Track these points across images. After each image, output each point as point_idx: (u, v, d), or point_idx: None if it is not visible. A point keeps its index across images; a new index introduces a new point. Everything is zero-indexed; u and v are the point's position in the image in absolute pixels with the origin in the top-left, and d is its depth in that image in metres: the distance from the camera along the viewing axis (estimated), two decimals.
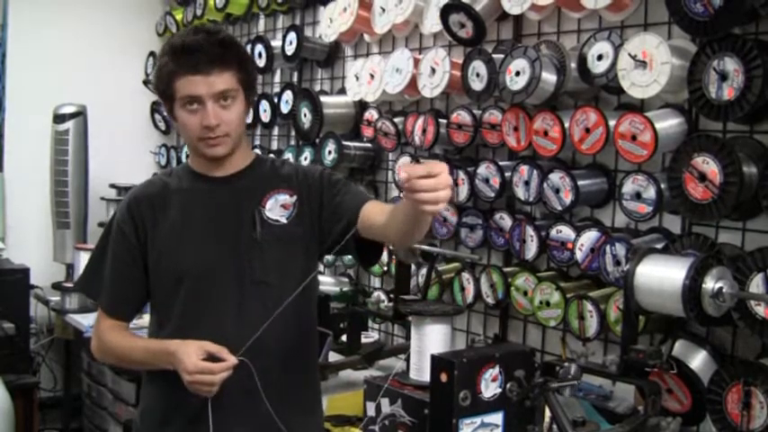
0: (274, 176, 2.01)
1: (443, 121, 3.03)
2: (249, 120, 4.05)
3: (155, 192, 2.00)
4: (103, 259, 2.01)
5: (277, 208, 1.96)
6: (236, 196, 1.96)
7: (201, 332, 1.87)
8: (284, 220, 1.95)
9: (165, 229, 1.95)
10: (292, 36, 3.80)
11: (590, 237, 2.51)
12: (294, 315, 1.92)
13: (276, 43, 3.91)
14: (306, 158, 3.71)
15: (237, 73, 1.88)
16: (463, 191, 2.90)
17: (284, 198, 1.97)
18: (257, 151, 2.49)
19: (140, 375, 2.10)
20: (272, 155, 4.04)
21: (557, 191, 2.56)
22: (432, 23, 3.08)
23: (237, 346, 1.85)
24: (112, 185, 4.74)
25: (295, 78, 4.05)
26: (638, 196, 2.34)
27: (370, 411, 2.35)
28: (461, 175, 2.90)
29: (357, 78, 3.44)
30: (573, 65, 2.55)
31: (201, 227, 1.94)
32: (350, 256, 3.49)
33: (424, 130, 3.03)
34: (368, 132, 3.47)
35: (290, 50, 3.80)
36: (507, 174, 2.75)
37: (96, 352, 2.06)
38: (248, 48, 4.03)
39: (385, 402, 2.30)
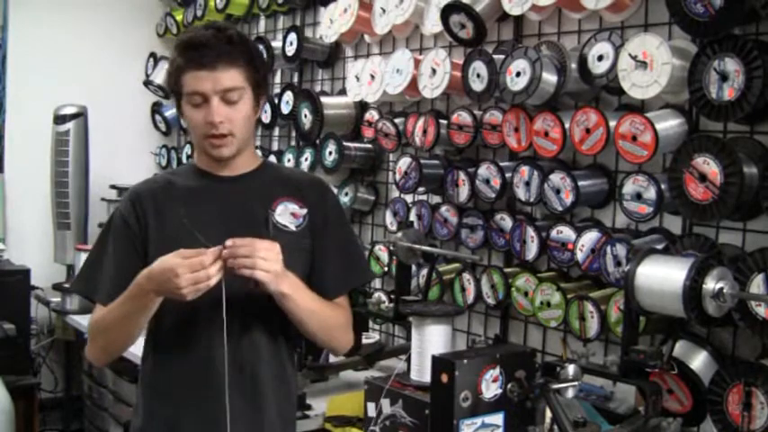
0: (284, 183, 2.01)
1: (444, 121, 3.03)
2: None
3: (158, 187, 1.98)
4: (102, 256, 1.96)
5: (287, 215, 1.96)
6: (245, 197, 1.95)
7: (206, 328, 1.86)
8: (293, 228, 1.94)
9: (172, 225, 1.91)
10: (293, 37, 3.80)
11: (590, 237, 2.51)
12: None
13: (276, 44, 3.91)
14: (306, 159, 3.71)
15: (245, 71, 1.86)
16: (464, 192, 2.90)
17: (294, 207, 1.97)
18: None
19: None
20: (272, 156, 4.05)
21: (557, 191, 2.56)
22: (432, 24, 3.08)
23: (234, 345, 1.86)
24: (113, 186, 4.74)
25: (295, 79, 4.05)
26: (638, 197, 2.34)
27: (371, 412, 2.35)
28: (462, 175, 2.90)
29: (357, 79, 3.44)
30: (573, 65, 2.55)
31: (210, 224, 1.89)
32: None
33: (424, 131, 3.03)
34: (368, 133, 3.47)
35: (290, 51, 3.80)
36: (508, 174, 2.75)
37: (88, 345, 1.97)
38: None
39: (386, 403, 2.30)
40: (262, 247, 1.75)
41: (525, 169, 2.67)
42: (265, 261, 1.75)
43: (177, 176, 2.01)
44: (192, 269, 1.70)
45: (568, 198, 2.53)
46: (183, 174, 2.02)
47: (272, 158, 4.02)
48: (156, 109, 5.15)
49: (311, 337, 1.97)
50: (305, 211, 1.97)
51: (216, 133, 1.86)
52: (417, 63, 3.07)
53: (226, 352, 1.83)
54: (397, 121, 3.25)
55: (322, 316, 1.93)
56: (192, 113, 1.87)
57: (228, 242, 1.73)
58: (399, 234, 2.85)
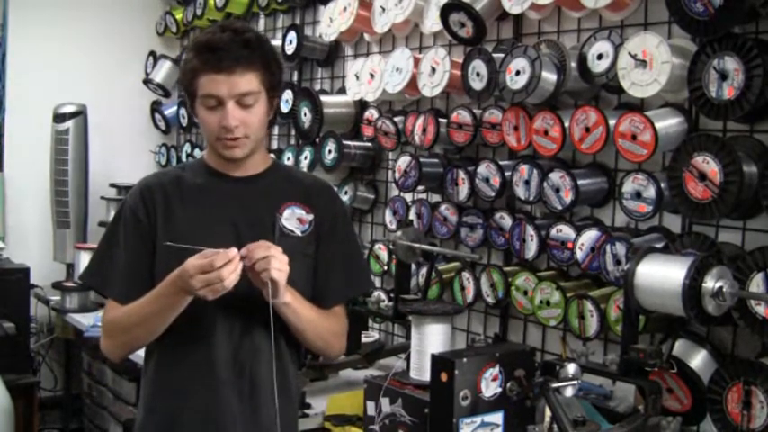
0: (293, 186, 2.01)
1: (443, 120, 3.03)
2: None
3: (168, 181, 1.98)
4: (112, 249, 1.95)
5: (293, 219, 1.96)
6: (253, 198, 1.95)
7: (209, 328, 1.87)
8: (299, 233, 1.95)
9: (181, 220, 1.91)
10: (292, 35, 3.80)
11: (590, 236, 2.50)
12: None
13: (276, 43, 3.91)
14: (306, 158, 3.71)
15: (261, 75, 1.86)
16: (463, 190, 2.90)
17: (301, 212, 1.97)
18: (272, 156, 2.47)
19: (140, 375, 2.07)
20: (271, 155, 4.05)
21: (557, 190, 2.56)
22: (432, 23, 3.08)
23: (235, 345, 1.87)
24: (112, 185, 4.74)
25: (295, 78, 4.05)
26: (638, 195, 2.34)
27: (371, 411, 2.35)
28: (461, 174, 2.90)
29: (357, 78, 3.44)
30: (573, 64, 2.55)
31: (218, 224, 1.91)
32: None
33: (424, 130, 3.03)
34: (368, 132, 3.47)
35: (290, 50, 3.80)
36: (507, 173, 2.75)
37: (104, 341, 1.96)
38: None
39: (385, 402, 2.30)
40: (276, 250, 1.77)
41: (525, 168, 2.67)
42: (279, 262, 1.76)
43: (187, 172, 2.00)
44: (202, 270, 1.71)
45: (568, 197, 2.53)
46: (193, 170, 2.01)
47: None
48: (155, 107, 5.15)
49: (307, 344, 2.00)
50: (311, 217, 1.98)
51: (230, 137, 1.86)
52: (417, 62, 3.07)
53: (274, 356, 1.85)
54: (396, 119, 3.25)
55: (320, 325, 1.96)
56: (207, 115, 1.86)
57: (243, 250, 1.76)
58: (399, 233, 2.85)
